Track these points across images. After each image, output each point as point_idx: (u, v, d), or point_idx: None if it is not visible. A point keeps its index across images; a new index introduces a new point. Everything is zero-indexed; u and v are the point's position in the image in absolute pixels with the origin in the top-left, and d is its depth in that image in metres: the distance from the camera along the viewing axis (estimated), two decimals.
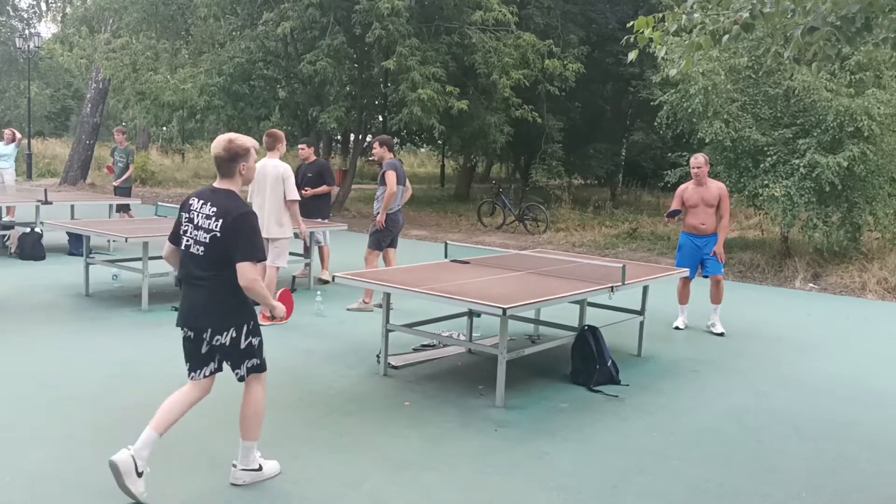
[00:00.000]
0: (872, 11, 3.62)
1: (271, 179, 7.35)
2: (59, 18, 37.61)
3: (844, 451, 4.72)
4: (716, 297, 7.70)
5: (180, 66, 18.38)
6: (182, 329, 3.80)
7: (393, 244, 8.29)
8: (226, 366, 3.88)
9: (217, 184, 3.83)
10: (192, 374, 3.85)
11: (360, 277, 6.08)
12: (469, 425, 4.87)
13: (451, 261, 6.98)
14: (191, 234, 3.72)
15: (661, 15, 4.43)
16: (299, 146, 9.85)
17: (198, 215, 3.70)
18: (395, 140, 22.68)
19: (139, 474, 3.65)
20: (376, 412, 5.05)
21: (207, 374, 3.84)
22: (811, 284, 10.90)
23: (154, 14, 18.85)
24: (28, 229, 10.83)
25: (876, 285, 10.51)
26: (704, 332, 7.57)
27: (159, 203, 12.69)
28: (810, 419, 5.29)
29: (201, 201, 3.74)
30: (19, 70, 34.67)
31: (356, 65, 17.84)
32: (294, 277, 9.20)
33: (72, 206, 12.27)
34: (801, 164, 10.77)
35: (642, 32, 4.46)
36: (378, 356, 6.02)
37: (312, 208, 9.30)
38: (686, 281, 7.77)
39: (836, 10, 3.67)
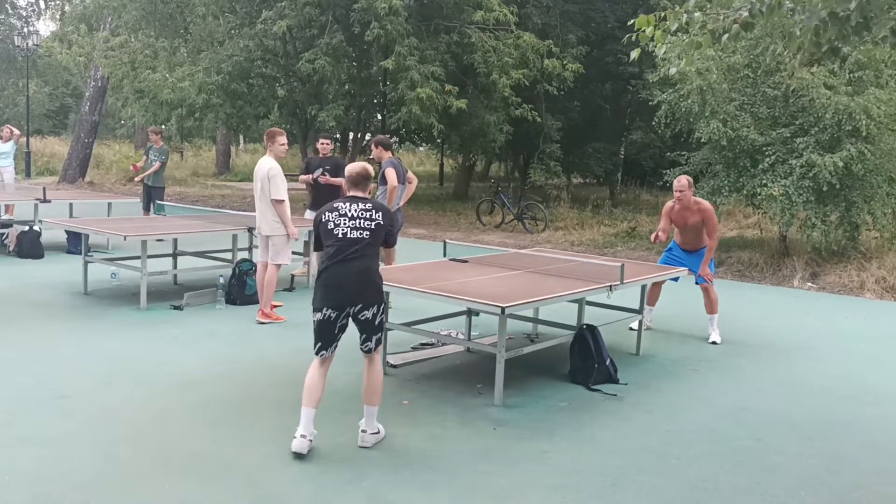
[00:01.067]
0: (870, 10, 3.62)
1: (260, 179, 7.30)
2: (57, 16, 37.57)
3: (843, 450, 4.73)
4: (708, 307, 7.44)
5: (179, 64, 18.36)
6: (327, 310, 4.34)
7: (392, 242, 8.29)
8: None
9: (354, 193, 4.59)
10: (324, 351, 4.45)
11: None
12: (468, 424, 4.88)
13: (450, 259, 6.97)
14: (346, 224, 4.41)
15: (662, 14, 4.43)
16: (323, 141, 9.58)
17: (351, 211, 4.45)
18: (394, 139, 22.67)
19: (378, 432, 4.51)
20: None
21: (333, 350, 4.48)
22: (809, 284, 10.91)
23: (153, 12, 18.82)
24: (27, 227, 10.83)
25: (874, 284, 10.52)
26: (703, 332, 7.55)
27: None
28: (809, 418, 5.30)
29: (349, 203, 4.49)
30: (18, 68, 34.62)
31: (355, 63, 17.83)
32: (293, 276, 9.20)
33: (70, 205, 12.24)
34: (799, 164, 10.77)
35: (643, 31, 4.45)
36: None
37: (322, 203, 9.18)
38: (658, 283, 7.56)
39: (832, 7, 3.67)
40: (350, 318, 4.37)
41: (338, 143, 24.31)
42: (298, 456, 4.22)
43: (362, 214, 4.42)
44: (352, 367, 5.96)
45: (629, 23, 4.71)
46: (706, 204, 7.41)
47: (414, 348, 6.57)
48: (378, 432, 4.52)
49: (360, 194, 4.56)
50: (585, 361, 5.83)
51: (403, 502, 3.79)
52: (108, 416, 4.77)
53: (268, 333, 6.96)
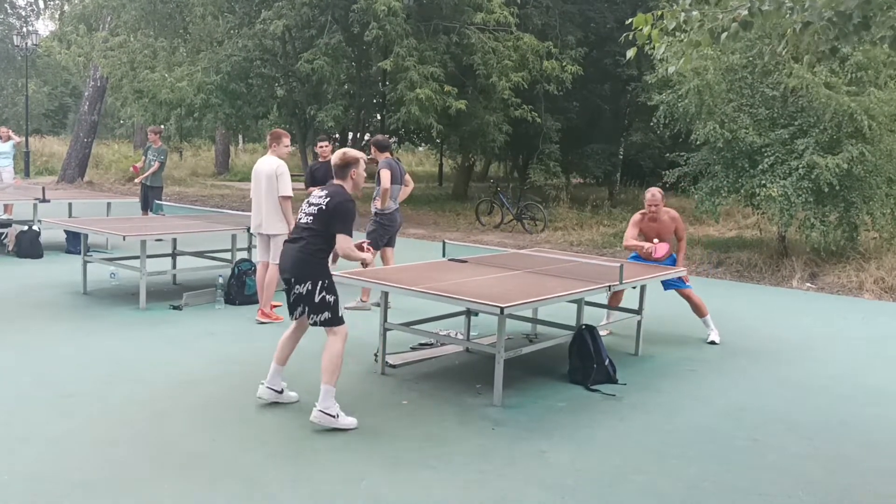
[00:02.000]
0: (870, 9, 3.63)
1: (265, 177, 7.34)
2: (56, 16, 37.53)
3: (841, 450, 4.73)
4: (697, 311, 7.39)
5: (178, 64, 18.35)
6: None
7: (391, 243, 8.30)
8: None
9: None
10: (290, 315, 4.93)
11: (358, 276, 6.08)
12: (467, 424, 4.88)
13: (449, 260, 6.98)
14: (304, 210, 4.85)
15: (659, 12, 4.43)
16: (321, 144, 9.41)
17: (314, 198, 4.84)
18: (394, 139, 22.65)
19: (336, 416, 4.64)
20: (374, 411, 5.06)
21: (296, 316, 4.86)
22: (808, 284, 10.92)
23: (152, 12, 18.82)
24: (26, 227, 10.83)
25: (873, 285, 10.53)
26: (701, 333, 7.55)
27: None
28: (807, 418, 5.30)
29: (319, 190, 4.92)
30: (17, 68, 34.63)
31: (354, 63, 17.83)
32: None
33: (69, 204, 12.24)
34: (800, 165, 10.78)
35: (641, 30, 4.46)
36: (376, 355, 6.02)
37: None
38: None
39: (833, 6, 3.67)
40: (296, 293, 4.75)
41: (337, 143, 24.30)
42: (259, 400, 4.93)
43: (316, 201, 4.79)
44: (347, 368, 5.96)
45: (627, 22, 4.71)
46: (673, 211, 7.45)
47: (413, 348, 6.58)
48: (334, 416, 4.62)
49: (335, 181, 4.89)
50: (584, 362, 5.84)
51: (402, 502, 3.79)
52: (107, 415, 4.78)
53: (267, 333, 6.96)
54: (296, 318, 4.88)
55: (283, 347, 4.97)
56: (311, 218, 4.76)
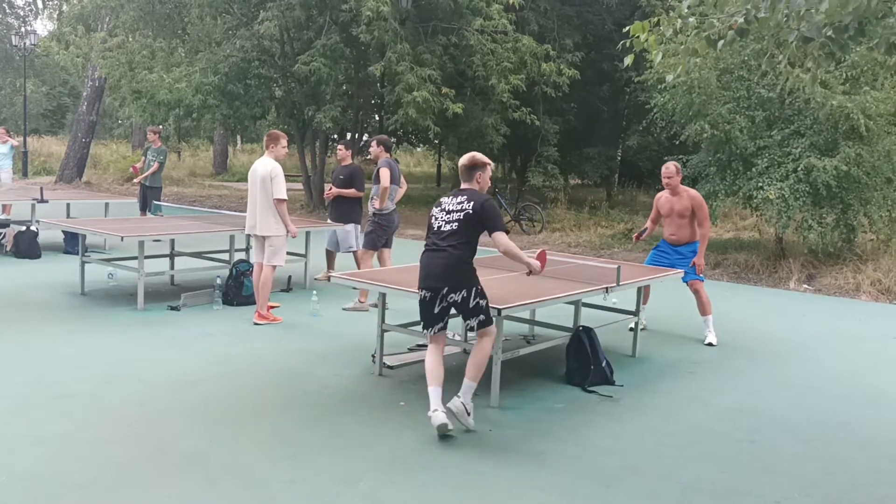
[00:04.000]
0: (865, 17, 3.64)
1: (260, 178, 7.33)
2: (55, 16, 37.52)
3: (838, 452, 4.75)
4: (701, 309, 7.42)
5: (176, 64, 18.34)
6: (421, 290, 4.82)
7: (388, 244, 8.30)
8: None
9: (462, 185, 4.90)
10: (427, 330, 4.90)
11: (356, 277, 6.10)
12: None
13: None
14: (443, 218, 4.79)
15: (656, 19, 4.44)
16: (337, 147, 9.54)
17: (449, 204, 4.80)
18: (392, 140, 22.66)
19: (469, 413, 4.72)
20: (372, 412, 5.07)
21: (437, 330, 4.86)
22: (805, 286, 10.94)
23: (150, 13, 18.81)
24: (24, 227, 10.83)
25: (870, 286, 10.55)
26: (699, 334, 7.57)
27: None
28: (804, 419, 5.32)
29: (451, 197, 4.85)
30: (15, 68, 34.59)
31: (352, 65, 17.82)
32: (290, 277, 9.21)
33: (67, 205, 12.25)
34: (797, 167, 10.79)
35: (638, 37, 4.47)
36: (373, 356, 6.03)
37: (341, 213, 9.13)
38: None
39: (830, 20, 3.69)
40: (448, 302, 4.75)
41: (335, 144, 24.34)
42: (442, 429, 4.55)
43: (456, 207, 4.73)
44: (344, 370, 5.98)
45: (625, 30, 4.73)
46: (694, 191, 7.46)
47: (411, 349, 6.58)
48: (468, 413, 4.69)
49: (465, 186, 4.85)
50: (582, 363, 5.85)
51: (400, 503, 3.80)
52: (106, 416, 4.78)
53: (265, 334, 6.97)
54: (434, 333, 4.87)
55: (433, 368, 4.80)
56: (456, 225, 4.71)
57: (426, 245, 4.87)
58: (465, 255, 4.72)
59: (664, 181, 7.35)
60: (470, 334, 6.70)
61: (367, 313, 7.83)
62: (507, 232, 4.73)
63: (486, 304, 4.79)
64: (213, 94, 17.08)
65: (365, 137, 19.44)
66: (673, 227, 7.44)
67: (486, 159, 4.89)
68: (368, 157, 9.17)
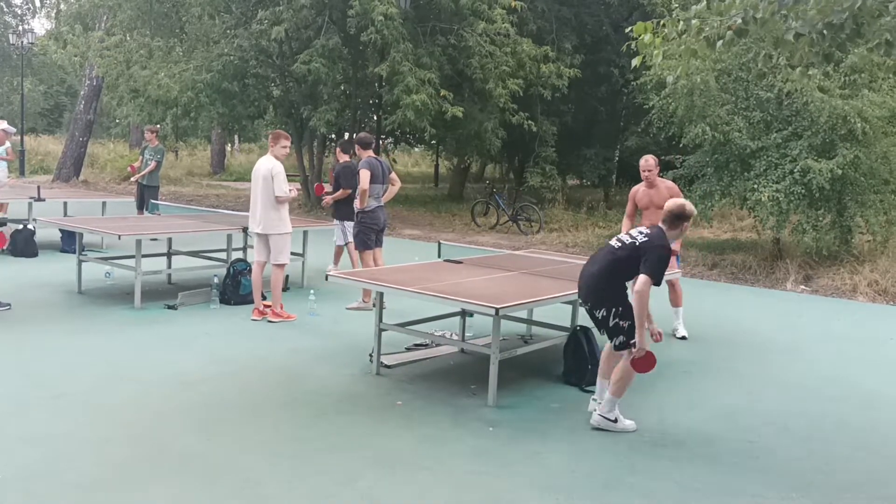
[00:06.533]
0: (861, 17, 3.65)
1: (261, 177, 7.37)
2: (52, 15, 37.43)
3: (835, 452, 4.76)
4: (673, 300, 7.49)
5: (174, 63, 18.31)
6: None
7: (378, 243, 8.26)
8: None
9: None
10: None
11: (354, 277, 6.10)
12: (461, 425, 4.89)
13: (445, 260, 6.99)
14: (617, 237, 4.95)
15: (661, 21, 4.45)
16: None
17: (632, 231, 4.92)
18: (390, 140, 22.63)
19: (615, 420, 4.86)
20: (369, 411, 5.07)
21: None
22: (802, 286, 10.95)
23: (148, 12, 18.77)
24: (20, 226, 10.81)
25: (867, 287, 10.56)
26: (696, 334, 7.58)
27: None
28: (801, 420, 5.33)
29: (639, 228, 4.96)
30: (12, 66, 34.51)
31: (351, 66, 17.81)
32: (287, 276, 9.19)
33: (65, 203, 12.24)
34: (794, 169, 10.81)
35: (642, 38, 4.48)
36: (371, 355, 6.03)
37: (336, 211, 9.46)
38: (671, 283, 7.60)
39: (823, 17, 3.70)
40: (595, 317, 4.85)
41: (333, 144, 24.31)
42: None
43: (634, 234, 4.83)
44: (342, 369, 5.98)
45: (627, 31, 4.73)
46: (671, 182, 7.55)
47: (408, 349, 6.58)
48: (615, 420, 4.85)
49: (661, 226, 4.80)
50: (579, 363, 5.85)
51: (397, 503, 3.80)
52: (103, 415, 4.77)
53: (262, 333, 6.97)
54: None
55: (606, 363, 5.10)
56: (620, 244, 4.78)
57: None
58: (613, 274, 4.77)
59: (644, 174, 7.41)
60: (468, 334, 6.72)
61: (366, 312, 7.82)
62: (657, 284, 4.60)
63: (630, 325, 4.71)
64: (204, 92, 17.03)
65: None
66: (652, 219, 7.43)
67: (694, 212, 4.87)
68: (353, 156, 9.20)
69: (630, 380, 4.83)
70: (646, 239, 4.69)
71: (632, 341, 4.72)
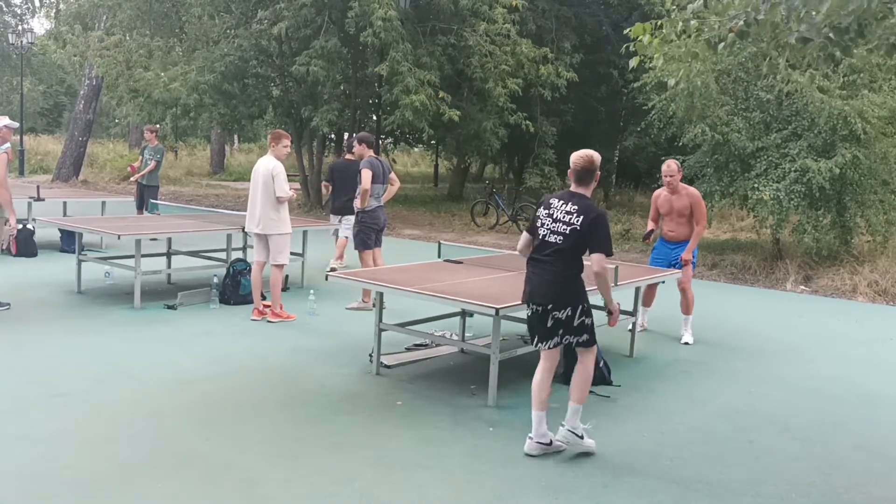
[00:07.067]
0: (865, 18, 3.65)
1: (262, 177, 7.36)
2: (52, 15, 37.48)
3: (834, 452, 4.75)
4: (684, 307, 7.46)
5: (173, 63, 18.31)
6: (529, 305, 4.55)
7: (378, 243, 8.26)
8: None
9: (575, 188, 4.52)
10: (540, 344, 4.55)
11: (353, 277, 6.09)
12: (461, 424, 4.89)
13: (445, 260, 6.99)
14: (548, 226, 4.45)
15: (659, 22, 4.44)
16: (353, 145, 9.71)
17: (557, 211, 4.43)
18: (389, 140, 22.62)
19: (581, 437, 4.48)
20: (369, 411, 5.06)
21: (552, 346, 4.53)
22: (802, 287, 10.96)
23: (148, 11, 18.77)
24: (20, 226, 10.78)
25: (867, 288, 10.57)
26: (696, 334, 7.56)
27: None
28: (801, 420, 5.32)
29: (561, 201, 4.46)
30: (12, 66, 34.51)
31: (350, 67, 17.80)
32: (287, 276, 9.18)
33: (64, 203, 12.23)
34: (793, 169, 10.81)
35: (640, 40, 4.47)
36: (371, 355, 6.02)
37: (337, 206, 9.80)
38: (652, 285, 7.58)
39: (830, 21, 3.69)
40: (554, 319, 4.44)
41: (332, 143, 24.28)
42: (528, 456, 4.41)
43: (564, 217, 4.41)
44: (341, 369, 5.97)
45: (625, 31, 4.72)
46: (694, 189, 7.45)
47: (408, 349, 6.58)
48: (582, 437, 4.47)
49: (579, 189, 4.49)
50: None
51: (396, 502, 3.80)
52: (102, 415, 4.77)
53: (262, 333, 6.96)
54: (549, 349, 4.56)
55: (540, 391, 4.52)
56: (563, 238, 4.39)
57: (531, 256, 4.56)
58: (570, 270, 4.44)
59: (665, 179, 7.32)
60: (468, 334, 6.71)
61: (366, 312, 7.82)
62: (610, 255, 4.40)
63: (592, 322, 4.52)
64: (208, 94, 17.05)
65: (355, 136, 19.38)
66: (672, 225, 7.45)
67: (599, 157, 4.58)
68: (351, 155, 9.23)
69: (590, 381, 4.60)
70: (581, 217, 4.34)
71: (594, 337, 4.55)
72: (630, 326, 7.01)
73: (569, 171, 4.57)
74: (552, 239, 4.43)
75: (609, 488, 4.06)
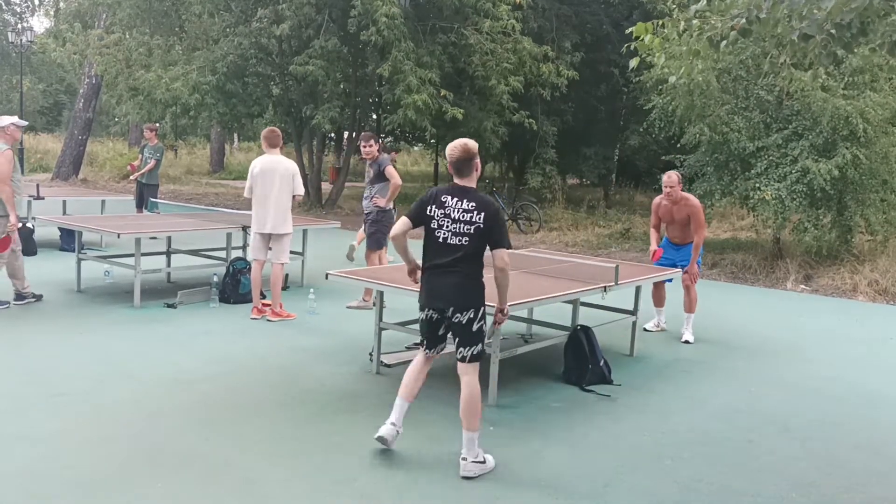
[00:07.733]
0: (867, 16, 3.64)
1: (280, 176, 7.35)
2: (51, 13, 37.44)
3: (834, 452, 4.75)
4: (687, 305, 7.49)
5: (173, 62, 18.29)
6: (426, 309, 4.35)
7: (386, 243, 8.25)
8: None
9: (460, 182, 4.27)
10: (428, 350, 4.44)
11: (353, 276, 6.08)
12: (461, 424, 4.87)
13: None
14: (448, 227, 4.22)
15: (661, 21, 4.43)
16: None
17: (454, 210, 4.20)
18: (389, 139, 22.63)
19: (483, 461, 4.19)
20: (369, 410, 5.05)
21: (439, 351, 4.42)
22: (802, 286, 10.95)
23: (147, 10, 18.75)
24: (20, 224, 10.76)
25: (867, 287, 10.57)
26: (696, 334, 7.56)
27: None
28: (800, 419, 5.32)
29: (455, 198, 4.21)
30: (11, 64, 34.54)
31: (350, 67, 17.79)
32: (287, 275, 9.18)
33: (64, 202, 12.22)
34: (794, 169, 10.80)
35: (641, 39, 4.46)
36: (371, 354, 6.02)
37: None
38: (659, 284, 7.62)
39: (832, 18, 3.69)
40: (453, 323, 4.23)
41: (332, 143, 24.21)
42: (381, 441, 4.30)
43: (464, 216, 4.18)
44: (341, 368, 5.97)
45: (627, 31, 4.72)
46: (694, 199, 7.46)
47: (408, 348, 6.57)
48: (483, 462, 4.17)
49: (465, 184, 4.24)
50: (579, 362, 5.84)
51: (396, 502, 3.79)
52: (101, 414, 4.76)
53: (262, 332, 6.96)
54: (436, 354, 4.44)
55: (413, 383, 4.40)
56: (467, 239, 4.16)
57: (432, 262, 4.32)
58: (475, 272, 4.26)
59: (666, 190, 7.32)
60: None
61: (366, 311, 7.81)
62: (510, 248, 4.27)
63: (482, 330, 4.27)
64: (210, 94, 17.04)
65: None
66: (675, 231, 7.53)
67: (475, 144, 4.32)
68: (361, 157, 9.07)
69: (479, 402, 4.22)
70: (483, 214, 4.12)
71: (483, 350, 4.30)
72: (650, 326, 7.08)
73: (447, 164, 4.32)
74: (455, 241, 4.20)
75: (609, 488, 4.05)
